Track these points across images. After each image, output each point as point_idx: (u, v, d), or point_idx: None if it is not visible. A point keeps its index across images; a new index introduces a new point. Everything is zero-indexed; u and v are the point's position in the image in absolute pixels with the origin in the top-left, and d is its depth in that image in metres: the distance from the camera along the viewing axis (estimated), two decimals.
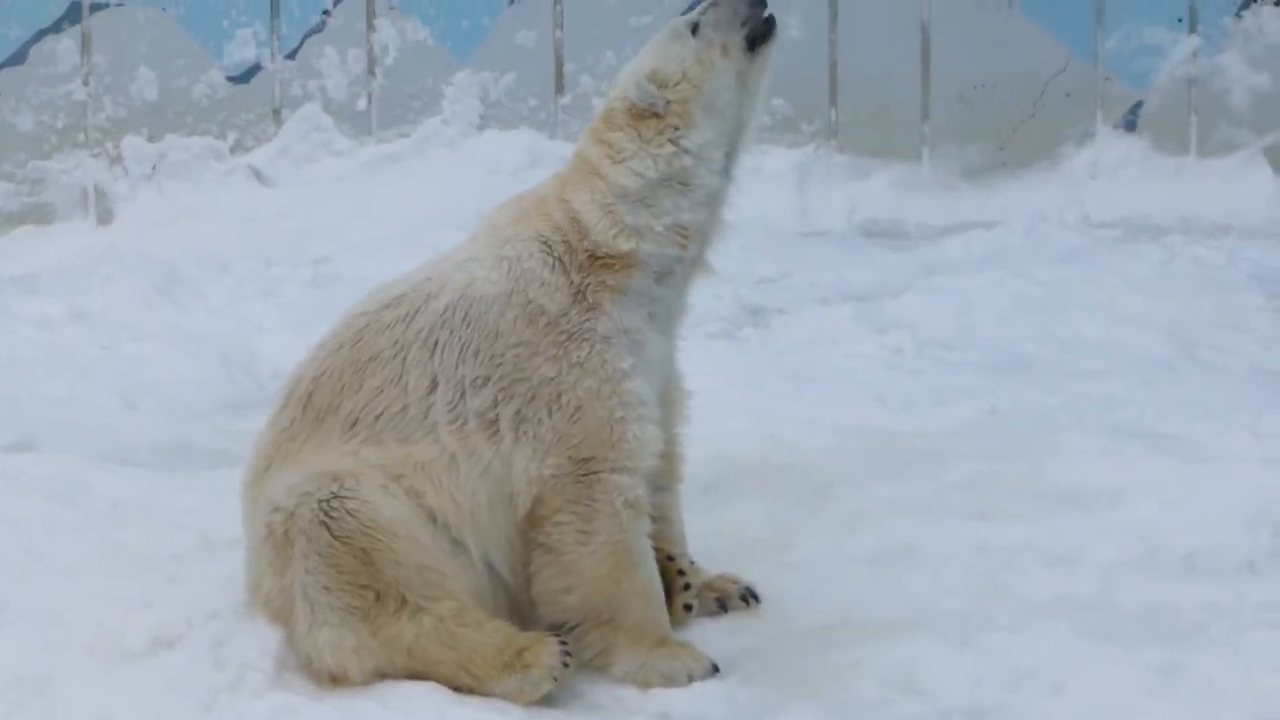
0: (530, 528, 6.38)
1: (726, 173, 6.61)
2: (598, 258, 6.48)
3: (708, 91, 6.55)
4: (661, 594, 6.56)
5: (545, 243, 6.48)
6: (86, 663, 6.39)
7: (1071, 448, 7.97)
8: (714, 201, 6.59)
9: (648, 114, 6.51)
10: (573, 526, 6.38)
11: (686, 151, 6.50)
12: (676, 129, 6.51)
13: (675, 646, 6.47)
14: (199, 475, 7.75)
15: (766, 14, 6.63)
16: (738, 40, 6.59)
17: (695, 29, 6.60)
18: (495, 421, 6.36)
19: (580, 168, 6.57)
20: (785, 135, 9.26)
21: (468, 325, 6.41)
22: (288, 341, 7.57)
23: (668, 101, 6.51)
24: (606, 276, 6.47)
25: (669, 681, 6.37)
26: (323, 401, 6.46)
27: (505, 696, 6.18)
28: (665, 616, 6.54)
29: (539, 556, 6.42)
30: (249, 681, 6.26)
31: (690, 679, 6.38)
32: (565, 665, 6.25)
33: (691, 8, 11.07)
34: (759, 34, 6.61)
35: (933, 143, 11.47)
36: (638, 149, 6.50)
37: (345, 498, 6.24)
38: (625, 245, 6.47)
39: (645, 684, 6.37)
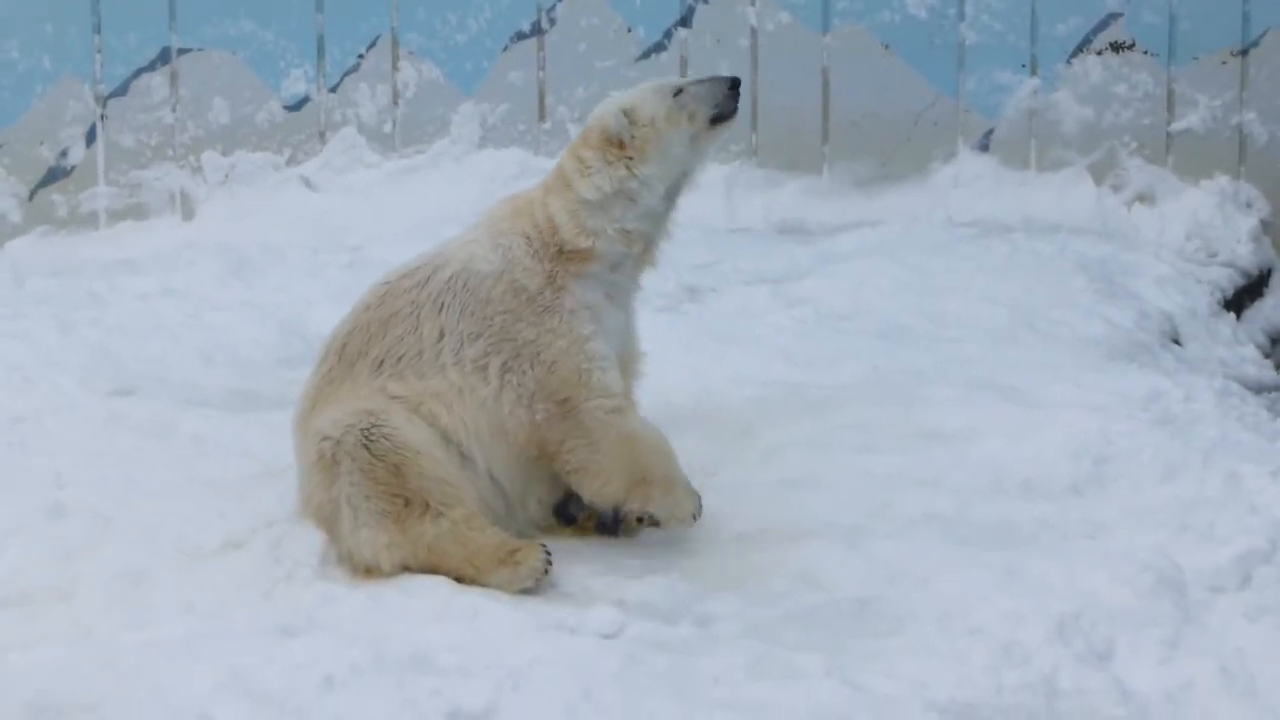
0: (550, 463, 6.49)
1: (670, 200, 6.67)
2: (564, 251, 6.54)
3: (666, 140, 6.61)
4: (672, 451, 6.57)
5: (528, 237, 6.57)
6: (173, 561, 6.41)
7: (937, 397, 7.98)
8: (655, 217, 6.68)
9: (615, 141, 6.55)
10: (580, 446, 6.43)
11: (635, 177, 6.56)
12: (632, 159, 6.55)
13: (688, 490, 6.52)
14: (262, 416, 7.72)
15: (735, 105, 6.68)
16: (705, 114, 6.66)
17: (678, 93, 6.63)
18: (485, 368, 6.44)
19: (560, 178, 6.64)
20: (717, 154, 9.23)
21: (467, 291, 6.49)
22: (330, 311, 7.53)
23: (632, 136, 6.54)
24: (571, 265, 6.55)
25: (685, 514, 6.52)
26: (354, 351, 6.51)
27: (498, 586, 6.21)
28: (681, 470, 6.56)
29: (571, 478, 6.52)
30: (299, 575, 6.29)
31: (694, 517, 6.53)
32: (547, 569, 6.28)
33: (646, 54, 11.18)
34: (723, 116, 6.67)
35: (831, 160, 11.45)
36: (601, 167, 6.55)
37: (380, 425, 6.32)
38: (584, 243, 6.55)
39: (672, 515, 6.49)
